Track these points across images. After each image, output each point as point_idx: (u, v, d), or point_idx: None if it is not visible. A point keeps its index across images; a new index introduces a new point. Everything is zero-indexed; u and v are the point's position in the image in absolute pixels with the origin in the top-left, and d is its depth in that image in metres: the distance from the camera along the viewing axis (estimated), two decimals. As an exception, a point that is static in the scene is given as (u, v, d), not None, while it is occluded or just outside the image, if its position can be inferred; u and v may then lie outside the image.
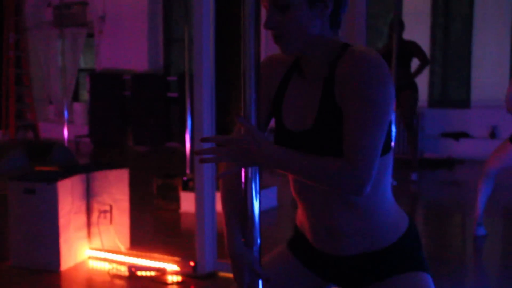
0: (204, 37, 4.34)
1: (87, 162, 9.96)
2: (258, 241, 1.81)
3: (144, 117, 11.52)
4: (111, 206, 4.99)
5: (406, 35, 8.07)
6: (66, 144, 9.72)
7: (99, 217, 4.92)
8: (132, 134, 11.78)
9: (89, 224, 4.92)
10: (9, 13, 12.07)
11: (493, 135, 9.90)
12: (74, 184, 4.77)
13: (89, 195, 4.91)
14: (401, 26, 7.87)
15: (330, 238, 1.95)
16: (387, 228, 1.92)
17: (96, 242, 4.94)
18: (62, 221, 4.64)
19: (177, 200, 6.55)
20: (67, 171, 4.86)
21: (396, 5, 7.73)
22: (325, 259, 2.01)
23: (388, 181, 1.92)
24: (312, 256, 2.04)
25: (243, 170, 1.78)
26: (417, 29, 9.84)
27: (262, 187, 6.23)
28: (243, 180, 1.79)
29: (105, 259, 4.83)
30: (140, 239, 5.37)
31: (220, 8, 5.55)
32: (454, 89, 10.62)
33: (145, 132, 11.56)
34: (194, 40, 4.37)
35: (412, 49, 7.91)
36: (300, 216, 2.06)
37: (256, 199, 1.79)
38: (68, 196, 4.71)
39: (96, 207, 4.93)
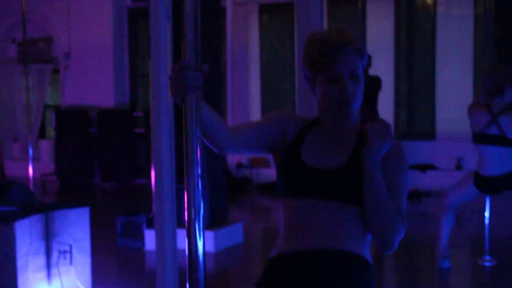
0: (161, 73, 4.31)
1: (51, 200, 9.84)
2: (202, 285, 1.76)
3: (111, 154, 11.43)
4: (70, 246, 4.88)
5: (370, 68, 8.16)
6: (32, 182, 9.58)
7: (58, 257, 4.82)
8: (99, 171, 11.66)
9: (48, 265, 4.81)
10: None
11: (459, 166, 9.96)
12: (32, 224, 4.67)
13: (48, 235, 4.81)
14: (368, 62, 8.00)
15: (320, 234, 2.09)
16: (364, 247, 2.12)
17: (56, 284, 4.82)
18: (20, 262, 4.53)
19: (141, 238, 6.46)
20: (25, 211, 4.76)
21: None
22: (294, 261, 2.07)
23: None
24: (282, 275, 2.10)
25: (186, 211, 1.76)
26: (381, 61, 9.94)
27: (228, 223, 6.15)
28: (186, 219, 1.76)
29: (64, 301, 4.72)
30: (103, 279, 5.27)
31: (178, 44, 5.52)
32: (419, 121, 10.69)
33: (112, 169, 11.46)
34: (151, 76, 4.33)
35: (377, 84, 8.04)
36: (288, 235, 2.15)
37: (200, 239, 1.76)
38: (26, 236, 4.60)
39: (55, 247, 4.83)
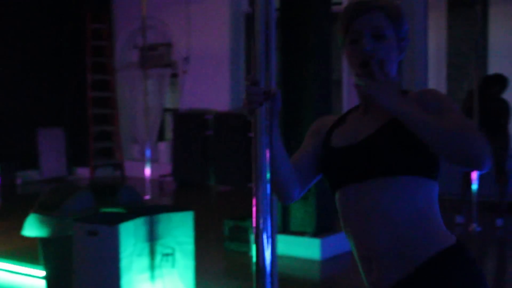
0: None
1: (167, 201, 10.06)
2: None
3: (226, 157, 11.54)
4: (174, 249, 4.94)
5: (492, 72, 7.81)
6: (149, 183, 9.84)
7: (162, 260, 4.88)
8: (214, 173, 11.81)
9: (152, 267, 4.88)
10: (88, 54, 12.59)
11: None
12: (137, 226, 4.75)
13: (152, 238, 4.88)
14: (504, 84, 7.56)
15: (374, 265, 1.94)
16: (424, 244, 1.89)
17: (159, 285, 4.88)
18: (124, 263, 4.61)
19: (248, 242, 6.46)
20: (131, 213, 4.85)
21: (477, 42, 7.35)
22: None
23: (433, 204, 1.94)
24: None
25: (254, 219, 1.81)
26: (506, 65, 9.49)
27: (335, 231, 6.04)
28: (254, 226, 1.83)
29: (166, 303, 4.77)
30: (207, 284, 5.28)
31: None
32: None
33: (227, 172, 11.57)
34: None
35: (501, 109, 7.60)
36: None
37: (267, 249, 1.77)
38: (131, 238, 4.69)
39: (159, 250, 4.89)
